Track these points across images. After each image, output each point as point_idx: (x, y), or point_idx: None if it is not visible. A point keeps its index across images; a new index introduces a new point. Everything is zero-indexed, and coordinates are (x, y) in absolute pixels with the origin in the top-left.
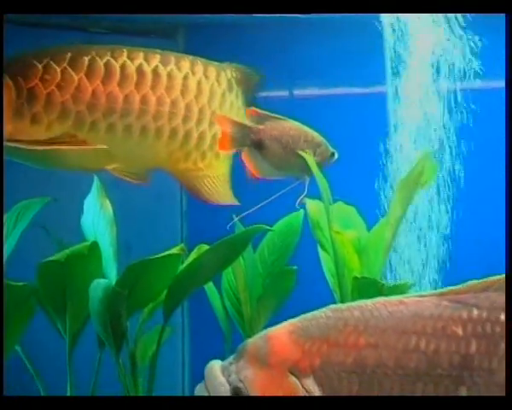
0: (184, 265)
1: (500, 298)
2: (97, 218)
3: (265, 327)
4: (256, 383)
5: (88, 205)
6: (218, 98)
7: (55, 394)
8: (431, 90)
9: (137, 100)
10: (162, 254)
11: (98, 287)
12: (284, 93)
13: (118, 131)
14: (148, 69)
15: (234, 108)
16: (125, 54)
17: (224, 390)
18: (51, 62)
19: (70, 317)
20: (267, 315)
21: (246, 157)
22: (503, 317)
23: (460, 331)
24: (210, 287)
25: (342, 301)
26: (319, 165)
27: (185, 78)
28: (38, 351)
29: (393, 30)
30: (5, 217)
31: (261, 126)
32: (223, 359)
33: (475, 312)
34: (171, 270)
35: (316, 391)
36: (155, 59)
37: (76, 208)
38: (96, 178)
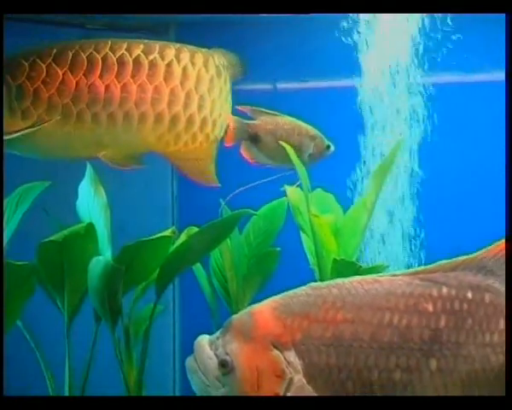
0: (175, 246)
1: (467, 277)
2: (92, 202)
3: (250, 304)
4: (241, 356)
5: (82, 190)
6: (206, 83)
7: (53, 366)
8: (401, 84)
9: (118, 89)
10: (155, 236)
11: (98, 264)
12: (268, 86)
13: (102, 119)
14: (129, 59)
15: (223, 93)
16: (108, 46)
17: (212, 363)
18: (37, 60)
19: (68, 293)
20: (252, 293)
21: (244, 149)
22: (469, 295)
23: (430, 308)
24: (197, 267)
25: (322, 280)
26: (315, 157)
27: (168, 65)
28: (38, 325)
29: (366, 26)
30: (6, 201)
31: (257, 122)
32: (210, 333)
33: (444, 290)
34: (163, 251)
35: (297, 363)
36: (138, 49)
37: (73, 193)
38: (88, 164)
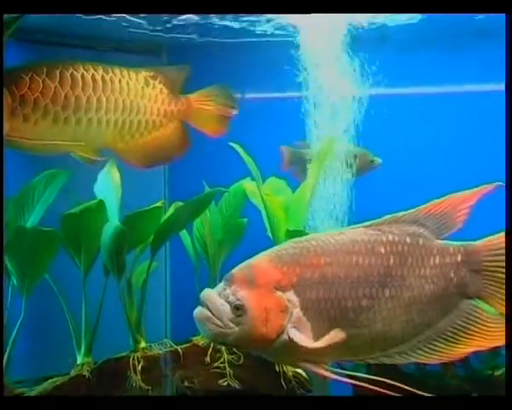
0: (165, 217)
1: (405, 227)
2: (107, 185)
3: (224, 262)
4: (251, 300)
5: (101, 176)
6: (139, 92)
7: (73, 309)
8: (342, 94)
9: (84, 99)
10: (149, 207)
11: (110, 227)
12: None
13: (83, 123)
14: (89, 77)
15: (158, 99)
16: (82, 67)
17: (226, 308)
18: (34, 75)
19: (84, 254)
20: (225, 253)
21: (296, 173)
22: (408, 240)
23: (382, 250)
24: (183, 233)
25: (276, 245)
26: (361, 170)
27: (112, 81)
28: (61, 278)
29: (309, 43)
30: (33, 182)
31: (306, 150)
32: (193, 284)
33: (391, 236)
34: (156, 219)
35: (295, 300)
36: (99, 70)
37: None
38: (110, 160)
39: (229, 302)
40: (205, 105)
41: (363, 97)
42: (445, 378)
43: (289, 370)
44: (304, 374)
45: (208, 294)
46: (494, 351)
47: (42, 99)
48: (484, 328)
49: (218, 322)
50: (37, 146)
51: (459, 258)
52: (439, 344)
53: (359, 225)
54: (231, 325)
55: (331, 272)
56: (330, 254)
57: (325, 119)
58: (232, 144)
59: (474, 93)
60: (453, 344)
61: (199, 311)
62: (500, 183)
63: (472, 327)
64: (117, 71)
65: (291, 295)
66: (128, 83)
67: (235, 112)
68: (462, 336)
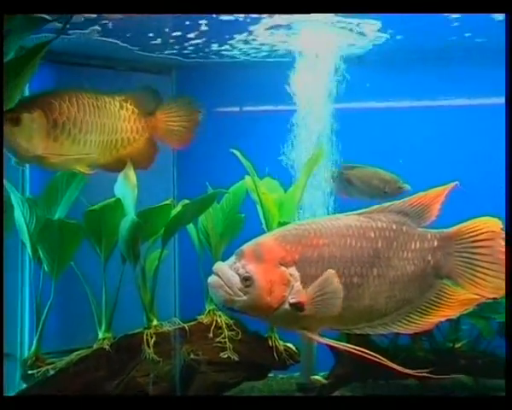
0: (174, 213)
1: (392, 216)
2: (124, 185)
3: (225, 252)
4: (259, 273)
5: (120, 177)
6: (116, 115)
7: (95, 291)
8: (320, 110)
9: (89, 123)
10: (161, 204)
11: (127, 220)
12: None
13: (80, 143)
14: (90, 104)
15: (130, 119)
16: (84, 95)
17: (235, 279)
18: (61, 102)
19: (104, 244)
20: (225, 244)
21: (341, 190)
22: (394, 226)
23: (372, 235)
24: (190, 226)
25: None
26: (390, 194)
27: (103, 107)
28: (85, 265)
29: (301, 63)
30: (55, 176)
31: (349, 171)
32: (198, 270)
33: (379, 223)
34: (167, 214)
35: (296, 275)
36: (94, 97)
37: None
38: (128, 162)
39: (238, 274)
40: (169, 120)
41: (342, 112)
42: (413, 351)
43: (280, 344)
44: (293, 348)
45: (220, 266)
46: (455, 327)
47: (67, 123)
48: (450, 300)
49: (229, 290)
50: (58, 164)
51: (435, 243)
52: (414, 317)
53: (352, 212)
54: (240, 293)
55: (328, 252)
56: (328, 236)
57: (309, 130)
58: (233, 151)
59: (445, 107)
60: (426, 316)
61: (212, 279)
62: (457, 182)
63: (441, 301)
64: (103, 97)
65: (293, 271)
66: (110, 107)
67: (197, 125)
68: (433, 309)
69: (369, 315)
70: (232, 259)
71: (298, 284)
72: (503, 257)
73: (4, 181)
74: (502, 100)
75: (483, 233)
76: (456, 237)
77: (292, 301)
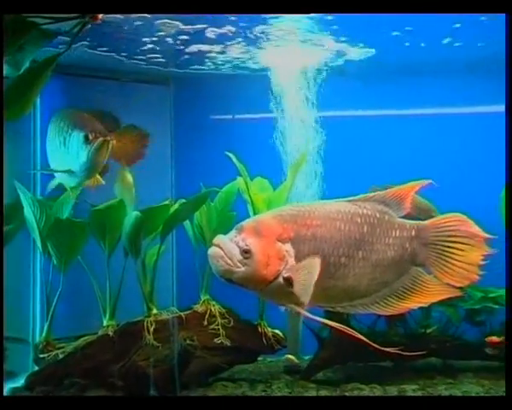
0: (172, 210)
1: (376, 205)
2: (123, 187)
3: None
4: (257, 247)
5: (117, 178)
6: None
7: (99, 283)
8: (303, 116)
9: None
10: (160, 205)
11: (131, 216)
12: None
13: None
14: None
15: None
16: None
17: (235, 251)
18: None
19: (108, 240)
20: None
21: None
22: (377, 215)
23: (359, 220)
24: (186, 223)
25: None
26: (423, 218)
27: None
28: (91, 259)
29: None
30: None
31: None
32: (194, 263)
33: (365, 211)
34: (165, 213)
35: (291, 251)
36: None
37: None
38: (122, 167)
39: (238, 246)
40: (120, 143)
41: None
42: (389, 336)
43: (269, 331)
44: (280, 334)
45: (221, 238)
46: (426, 314)
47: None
48: (424, 289)
49: (229, 261)
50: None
51: (413, 233)
52: (391, 300)
53: (341, 199)
54: (239, 264)
55: (320, 233)
56: (320, 218)
57: (295, 136)
58: (228, 153)
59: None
60: (402, 300)
61: (213, 250)
62: (430, 180)
63: (416, 287)
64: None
65: (288, 247)
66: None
67: (144, 148)
68: (408, 295)
69: (352, 294)
70: (232, 232)
71: (292, 260)
72: (470, 251)
73: (16, 183)
74: (498, 108)
75: (455, 228)
76: (431, 229)
77: (285, 275)
